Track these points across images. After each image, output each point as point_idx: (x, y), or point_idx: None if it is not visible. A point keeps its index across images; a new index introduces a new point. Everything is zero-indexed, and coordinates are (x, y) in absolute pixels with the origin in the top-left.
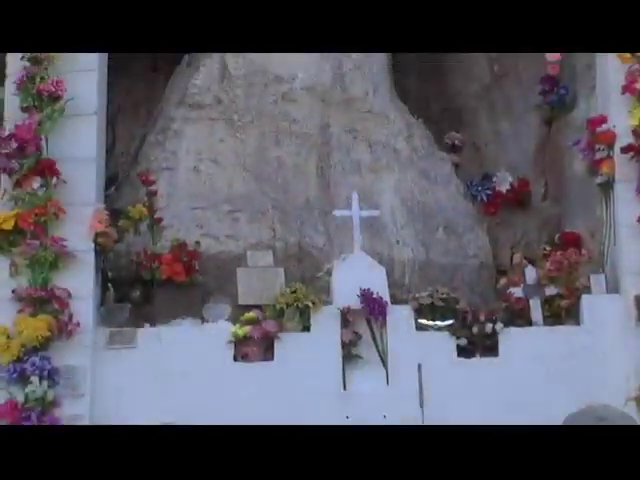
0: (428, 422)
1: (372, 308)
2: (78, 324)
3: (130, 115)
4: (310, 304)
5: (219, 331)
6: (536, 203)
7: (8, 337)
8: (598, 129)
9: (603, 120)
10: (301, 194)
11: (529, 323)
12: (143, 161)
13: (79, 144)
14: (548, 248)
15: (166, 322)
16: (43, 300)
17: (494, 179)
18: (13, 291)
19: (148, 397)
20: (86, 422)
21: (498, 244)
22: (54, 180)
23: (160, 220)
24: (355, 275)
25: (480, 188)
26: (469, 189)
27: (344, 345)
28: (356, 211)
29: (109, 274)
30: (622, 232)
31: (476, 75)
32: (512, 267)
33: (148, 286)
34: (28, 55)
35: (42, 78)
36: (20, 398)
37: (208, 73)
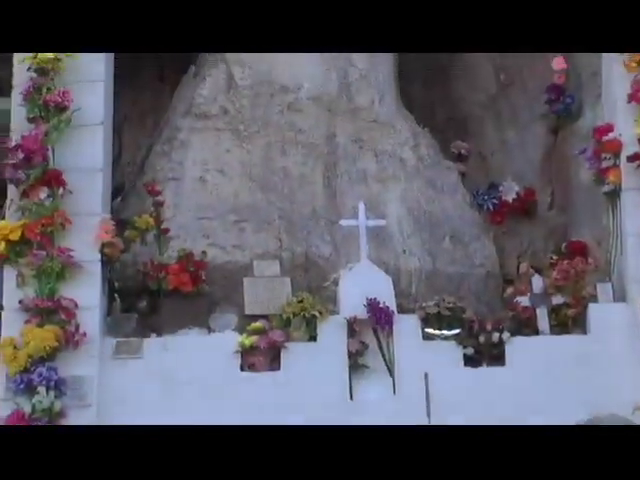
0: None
1: (379, 318)
2: (85, 334)
3: (136, 125)
4: (317, 314)
5: (226, 341)
6: (542, 212)
7: (15, 348)
8: (604, 138)
9: (609, 129)
10: (307, 204)
11: (536, 332)
12: (149, 171)
13: (85, 154)
14: (555, 257)
15: (173, 332)
16: (50, 310)
17: (500, 188)
18: (20, 302)
19: (155, 407)
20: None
21: (504, 253)
22: (61, 190)
23: (166, 230)
24: (362, 285)
25: (486, 197)
26: (475, 198)
27: (351, 355)
28: (362, 221)
29: (116, 284)
30: (629, 241)
31: (482, 84)
32: (519, 276)
33: (155, 296)
34: (35, 66)
35: (48, 89)
36: (27, 409)
37: (214, 83)
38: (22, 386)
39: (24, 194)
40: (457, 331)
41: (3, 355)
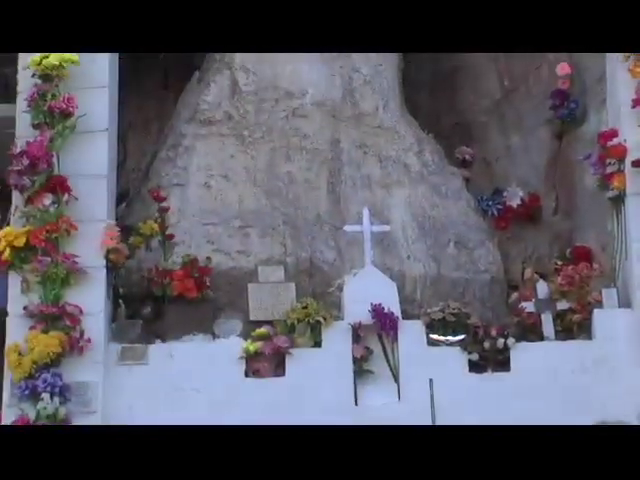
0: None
1: (383, 323)
2: (89, 340)
3: (141, 131)
4: (321, 319)
5: (230, 347)
6: (547, 217)
7: (20, 354)
8: (609, 143)
9: (614, 134)
10: (312, 209)
11: (541, 338)
12: (154, 177)
13: (90, 161)
14: (559, 262)
15: (177, 338)
16: (55, 317)
17: (505, 194)
18: (25, 308)
19: (159, 413)
20: None
21: (509, 259)
22: (65, 197)
23: (171, 236)
24: (366, 290)
25: (491, 203)
26: (480, 204)
27: (355, 360)
28: (367, 226)
29: (120, 290)
30: (633, 246)
31: (486, 90)
32: (523, 282)
33: (159, 302)
34: (39, 72)
35: (53, 95)
36: (32, 415)
37: (219, 89)
38: (27, 392)
39: (29, 200)
40: (462, 337)
41: (8, 361)
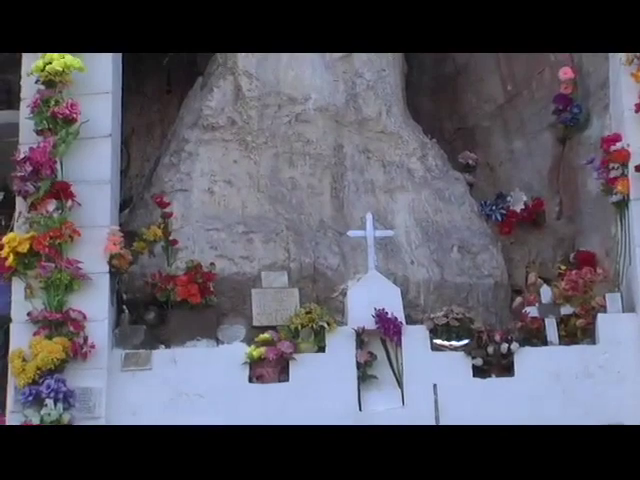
0: None
1: (387, 328)
2: (93, 346)
3: (144, 137)
4: (325, 325)
5: (234, 352)
6: (550, 222)
7: (24, 360)
8: (612, 147)
9: (617, 138)
10: (315, 215)
11: (545, 343)
12: (157, 183)
13: (93, 166)
14: (563, 267)
15: (181, 344)
16: (58, 322)
17: (508, 198)
18: (28, 314)
19: (163, 419)
20: None
21: (513, 263)
22: (69, 203)
23: (175, 242)
24: (370, 295)
25: (494, 207)
26: (483, 208)
27: (359, 366)
28: (370, 231)
29: (124, 296)
30: (637, 251)
31: (489, 94)
32: (527, 286)
33: (163, 308)
34: (42, 79)
35: (56, 101)
36: (35, 421)
37: (222, 95)
38: (30, 398)
39: (32, 206)
40: (466, 342)
41: (12, 367)
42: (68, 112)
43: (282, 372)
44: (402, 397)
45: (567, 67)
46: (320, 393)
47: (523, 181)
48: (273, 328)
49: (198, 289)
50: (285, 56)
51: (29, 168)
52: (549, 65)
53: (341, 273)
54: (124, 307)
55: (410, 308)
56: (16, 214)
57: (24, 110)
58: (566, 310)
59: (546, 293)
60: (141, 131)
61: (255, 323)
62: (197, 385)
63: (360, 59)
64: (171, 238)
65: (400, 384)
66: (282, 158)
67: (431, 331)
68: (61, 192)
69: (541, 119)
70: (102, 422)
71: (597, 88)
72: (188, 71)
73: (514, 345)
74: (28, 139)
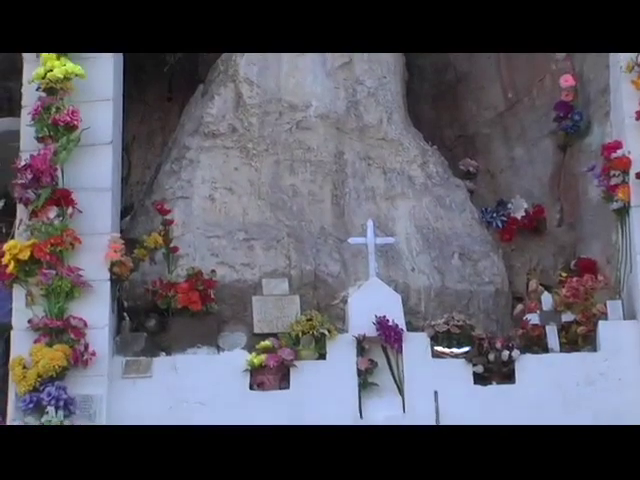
0: None
1: (388, 335)
2: (94, 353)
3: (145, 144)
4: (326, 332)
5: (235, 360)
6: (551, 229)
7: (24, 367)
8: (613, 155)
9: (618, 146)
10: (316, 222)
11: (546, 350)
12: (158, 190)
13: (94, 174)
14: (564, 274)
15: (182, 351)
16: (59, 330)
17: (509, 205)
18: (29, 321)
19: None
20: None
21: (514, 270)
22: (70, 210)
23: (175, 249)
24: (370, 303)
25: (495, 215)
26: (484, 216)
27: (360, 373)
28: (371, 238)
29: (125, 303)
30: (638, 258)
31: (490, 102)
32: (528, 293)
33: (164, 315)
34: (44, 86)
35: (57, 108)
36: None
37: (223, 102)
38: (31, 405)
39: (33, 214)
40: (466, 349)
41: (12, 374)
42: (69, 119)
43: (283, 379)
44: (403, 404)
45: (568, 74)
46: (321, 400)
47: (524, 188)
48: (274, 335)
49: (199, 296)
50: (286, 63)
51: (30, 175)
52: (550, 72)
53: (342, 280)
54: (125, 314)
55: (411, 315)
56: (17, 221)
57: (25, 117)
58: (567, 317)
59: (547, 300)
60: (142, 138)
61: (256, 330)
62: (198, 392)
63: (361, 66)
64: (172, 245)
65: (401, 391)
66: (283, 165)
67: (432, 338)
68: (62, 199)
69: (542, 126)
70: None
71: (598, 95)
72: (189, 79)
73: (515, 352)
74: (29, 146)
